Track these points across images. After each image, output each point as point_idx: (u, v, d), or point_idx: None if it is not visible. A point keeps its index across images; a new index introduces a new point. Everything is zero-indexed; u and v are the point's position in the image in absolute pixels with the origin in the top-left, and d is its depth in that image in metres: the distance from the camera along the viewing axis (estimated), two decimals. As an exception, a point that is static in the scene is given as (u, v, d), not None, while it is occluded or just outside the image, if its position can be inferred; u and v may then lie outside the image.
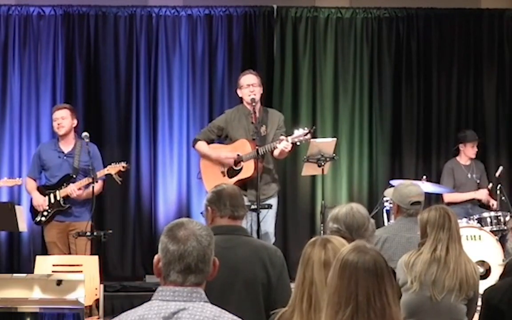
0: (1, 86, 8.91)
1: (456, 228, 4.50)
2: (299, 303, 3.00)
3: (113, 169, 7.43)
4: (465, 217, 7.98)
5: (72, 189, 7.32)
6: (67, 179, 7.41)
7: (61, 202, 7.40)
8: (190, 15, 9.14)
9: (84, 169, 7.33)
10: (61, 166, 7.49)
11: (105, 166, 7.48)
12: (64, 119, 7.46)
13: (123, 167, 7.42)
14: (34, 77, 8.93)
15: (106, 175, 7.38)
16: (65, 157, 7.50)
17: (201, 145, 7.47)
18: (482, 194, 8.68)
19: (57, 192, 7.41)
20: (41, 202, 7.43)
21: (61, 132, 7.48)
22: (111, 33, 9.06)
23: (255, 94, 7.24)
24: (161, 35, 9.09)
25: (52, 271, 6.15)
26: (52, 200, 7.41)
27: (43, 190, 7.50)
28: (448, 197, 8.55)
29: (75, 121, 7.54)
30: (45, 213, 7.43)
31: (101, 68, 9.04)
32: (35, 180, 7.62)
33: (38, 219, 7.48)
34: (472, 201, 8.75)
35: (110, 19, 9.06)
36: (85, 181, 7.32)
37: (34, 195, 7.54)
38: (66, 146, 7.53)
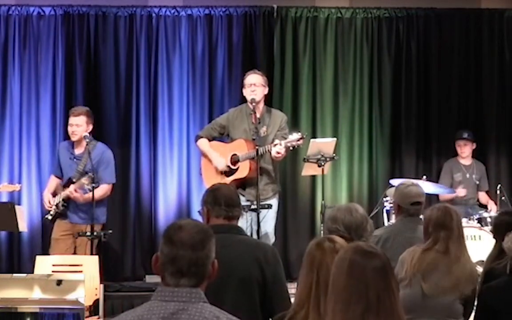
0: (1, 86, 8.90)
1: (457, 227, 4.49)
2: (315, 305, 2.99)
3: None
4: (465, 217, 7.98)
5: (70, 191, 7.36)
6: (69, 182, 7.44)
7: (60, 204, 7.43)
8: (190, 15, 9.14)
9: (90, 172, 7.31)
10: (70, 167, 7.53)
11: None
12: (79, 126, 7.45)
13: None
14: (34, 77, 8.92)
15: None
16: (74, 159, 7.52)
17: (202, 142, 7.51)
18: (461, 192, 8.67)
19: (61, 193, 7.45)
20: (45, 201, 7.59)
21: (74, 138, 7.51)
22: (111, 33, 9.05)
23: (255, 94, 7.25)
24: (161, 35, 9.09)
25: (52, 271, 6.16)
26: (57, 201, 7.46)
27: (59, 189, 7.57)
28: (442, 197, 8.56)
29: (90, 126, 7.52)
30: (52, 212, 7.49)
31: (101, 68, 9.04)
32: (59, 177, 7.68)
33: (45, 217, 7.64)
34: (470, 201, 8.76)
35: (110, 19, 9.06)
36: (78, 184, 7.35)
37: (44, 194, 7.77)
38: (79, 148, 7.54)
